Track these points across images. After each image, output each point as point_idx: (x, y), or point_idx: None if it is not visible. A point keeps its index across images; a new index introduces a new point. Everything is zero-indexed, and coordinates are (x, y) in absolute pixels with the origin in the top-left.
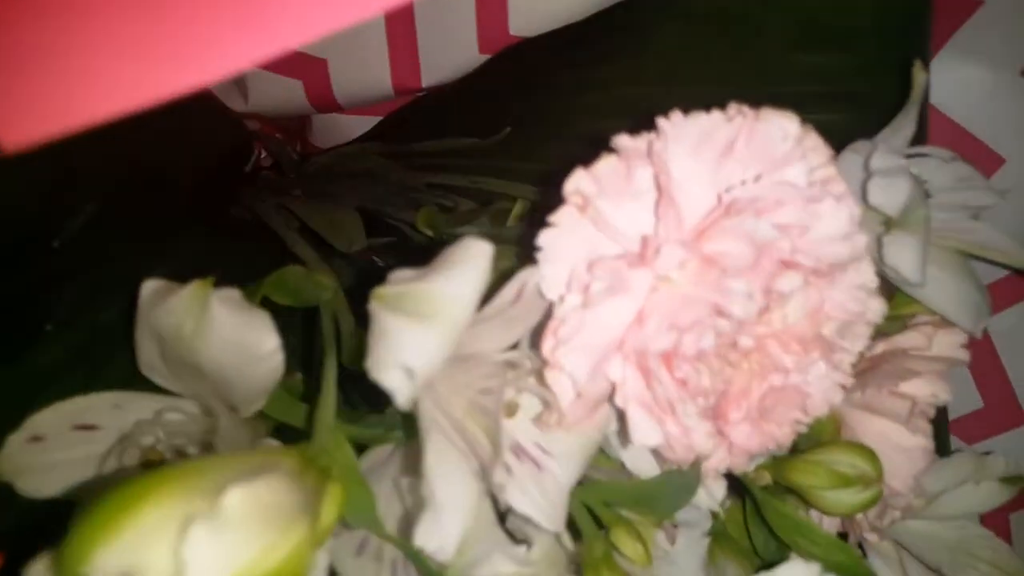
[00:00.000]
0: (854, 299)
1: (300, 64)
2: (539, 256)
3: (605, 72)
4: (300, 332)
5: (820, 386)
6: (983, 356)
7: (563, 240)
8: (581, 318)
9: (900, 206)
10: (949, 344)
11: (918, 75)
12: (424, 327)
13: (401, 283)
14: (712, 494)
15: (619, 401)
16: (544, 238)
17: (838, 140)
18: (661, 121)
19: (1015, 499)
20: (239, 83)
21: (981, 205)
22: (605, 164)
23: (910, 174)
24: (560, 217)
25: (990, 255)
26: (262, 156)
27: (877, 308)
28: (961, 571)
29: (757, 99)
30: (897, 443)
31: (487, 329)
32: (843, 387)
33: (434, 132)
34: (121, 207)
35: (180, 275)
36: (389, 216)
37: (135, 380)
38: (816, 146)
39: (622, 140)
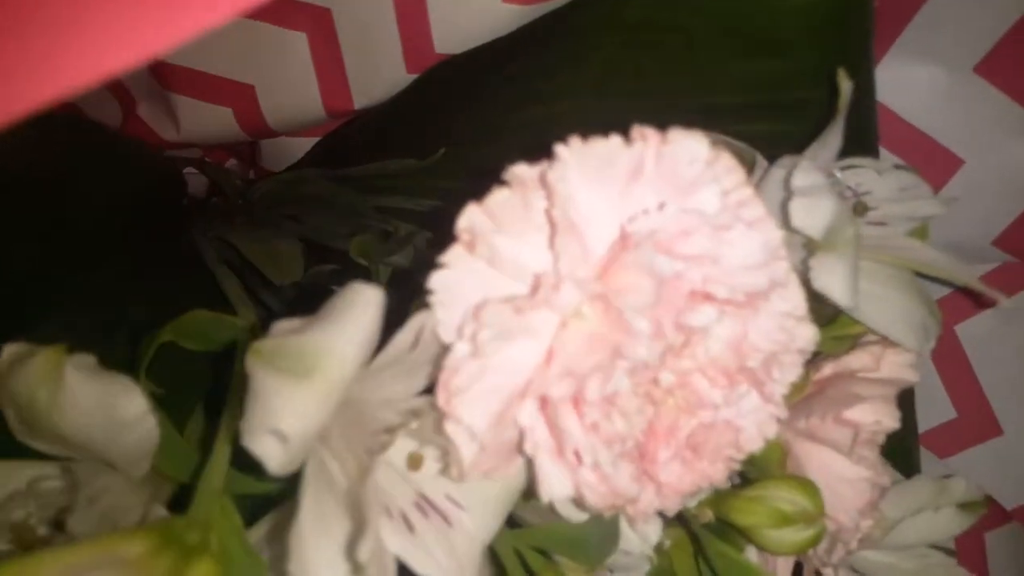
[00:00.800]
0: (781, 328)
1: (227, 90)
2: (431, 300)
3: (543, 85)
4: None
5: (753, 420)
6: (955, 365)
7: (456, 281)
8: (477, 366)
9: (823, 227)
10: (898, 364)
11: (843, 84)
12: (301, 386)
13: (280, 336)
14: (645, 538)
15: (528, 449)
16: (436, 280)
17: (784, 150)
18: (559, 148)
19: (990, 518)
20: (169, 112)
21: (927, 215)
22: (498, 197)
23: (834, 192)
24: (451, 257)
25: (930, 271)
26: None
27: (807, 336)
28: None
29: (694, 110)
30: (841, 474)
31: (388, 377)
32: (778, 419)
33: (375, 153)
34: (29, 249)
35: (97, 318)
36: (334, 242)
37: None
38: (730, 168)
39: (516, 170)
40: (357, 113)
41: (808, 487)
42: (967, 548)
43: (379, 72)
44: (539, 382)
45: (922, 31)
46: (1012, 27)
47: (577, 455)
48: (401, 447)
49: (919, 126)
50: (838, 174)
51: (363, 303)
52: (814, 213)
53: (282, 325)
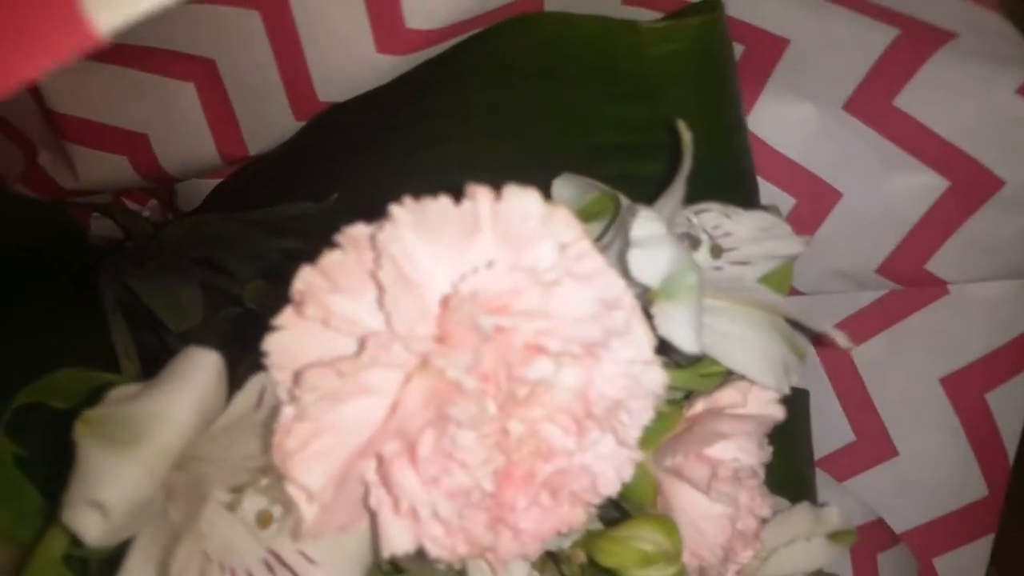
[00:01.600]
0: (626, 375)
1: (121, 139)
2: (267, 362)
3: (433, 128)
4: None
5: (610, 463)
6: (852, 389)
7: (290, 342)
8: (308, 428)
9: (661, 277)
10: (763, 400)
11: (684, 134)
12: (126, 455)
13: (111, 404)
14: None
15: (372, 504)
16: (270, 342)
17: (656, 193)
18: (393, 208)
19: (882, 540)
20: (66, 160)
21: (788, 254)
22: (332, 258)
23: (672, 241)
24: (284, 319)
25: (782, 313)
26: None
27: (656, 380)
28: None
29: (578, 152)
30: (703, 511)
31: (237, 436)
32: (635, 461)
33: (275, 196)
34: None
35: None
36: (234, 287)
37: None
38: (567, 222)
39: (350, 231)
40: (254, 158)
41: (668, 526)
42: (861, 570)
43: (268, 119)
44: (378, 439)
45: (791, 71)
46: (873, 66)
47: (413, 511)
48: (252, 505)
49: (799, 161)
50: (693, 219)
51: (198, 368)
52: (651, 264)
53: (118, 392)
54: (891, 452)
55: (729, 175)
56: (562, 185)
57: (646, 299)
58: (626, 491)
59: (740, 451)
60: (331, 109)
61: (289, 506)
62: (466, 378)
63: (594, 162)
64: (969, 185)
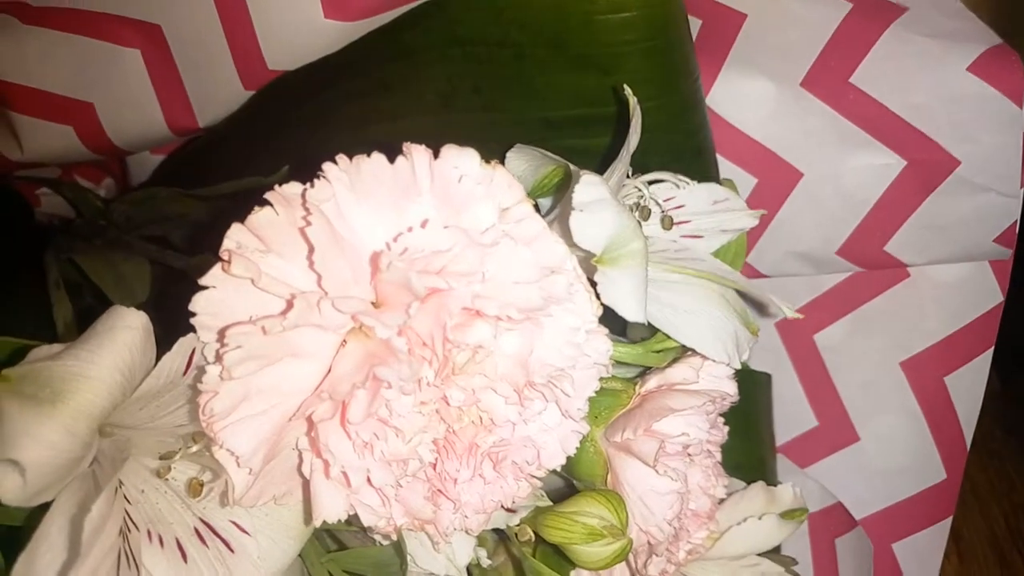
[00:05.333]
0: (569, 343)
1: (66, 109)
2: (194, 322)
3: (387, 103)
4: None
5: (555, 435)
6: (815, 374)
7: (220, 302)
8: (237, 389)
9: (603, 241)
10: (715, 376)
11: (630, 99)
12: (43, 414)
13: (31, 362)
14: (452, 559)
15: (304, 471)
16: (198, 302)
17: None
18: (326, 166)
19: (840, 525)
20: (11, 131)
21: (739, 227)
22: (263, 216)
23: (616, 206)
24: (212, 278)
25: (730, 284)
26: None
27: (601, 349)
28: None
29: (535, 124)
30: (652, 487)
31: (169, 401)
32: (580, 434)
33: (224, 170)
34: None
35: None
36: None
37: None
38: (507, 184)
39: (281, 189)
40: (202, 131)
41: (614, 500)
42: (820, 554)
43: (217, 88)
44: (309, 403)
45: (749, 47)
46: (828, 42)
47: (345, 475)
48: (182, 473)
49: (759, 139)
50: (644, 190)
51: (122, 327)
52: (593, 227)
53: (40, 351)
54: (852, 437)
55: (686, 149)
56: (515, 156)
57: (590, 267)
58: (576, 468)
59: (690, 426)
60: (281, 78)
61: (219, 472)
62: (396, 338)
63: (549, 135)
64: (926, 165)
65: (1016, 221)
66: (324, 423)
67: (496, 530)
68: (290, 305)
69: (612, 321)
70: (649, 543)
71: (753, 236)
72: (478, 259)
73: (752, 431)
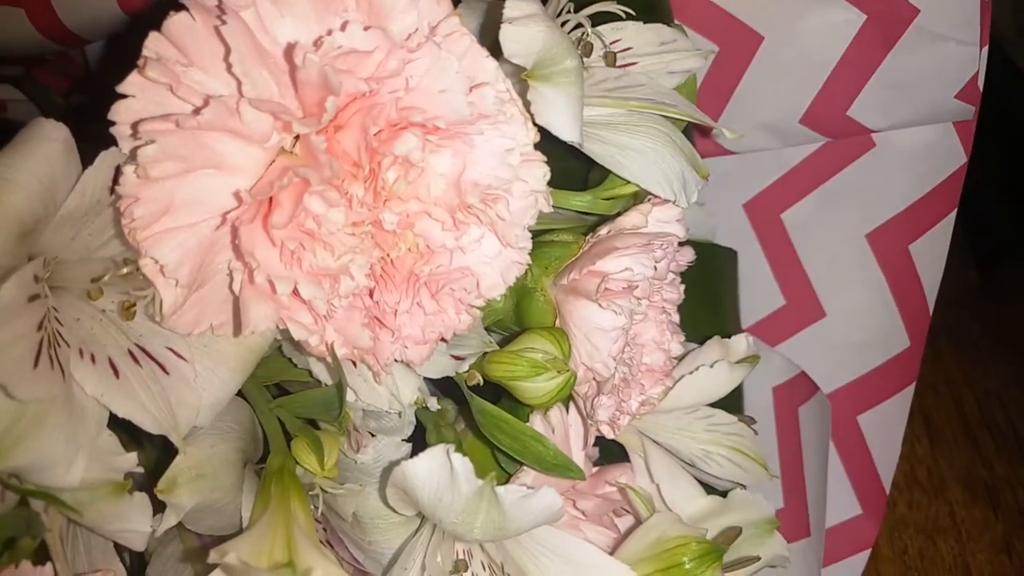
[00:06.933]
0: (503, 164)
1: None
2: (114, 131)
3: None
4: None
5: (495, 266)
6: (782, 253)
7: (138, 110)
8: (158, 194)
9: (534, 55)
10: (663, 220)
11: None
12: None
13: None
14: (398, 394)
15: (234, 288)
16: (117, 111)
17: None
18: None
19: (802, 393)
20: None
21: (687, 68)
22: (179, 21)
23: (547, 21)
24: (130, 85)
25: (667, 112)
26: None
27: (538, 174)
28: (712, 461)
29: None
30: (597, 324)
31: (92, 224)
32: (520, 264)
33: None
34: None
35: None
36: None
37: None
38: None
39: None
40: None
41: (557, 334)
42: (784, 425)
43: None
44: (234, 213)
45: None
46: None
47: (270, 284)
48: (114, 295)
49: (717, 2)
50: (586, 24)
51: (43, 137)
52: (522, 40)
53: None
54: (819, 313)
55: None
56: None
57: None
58: (526, 317)
59: (634, 263)
60: None
61: (145, 287)
62: (316, 137)
63: None
64: (884, 17)
65: (977, 73)
66: (246, 228)
67: (457, 403)
68: (205, 103)
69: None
70: (596, 381)
71: (717, 108)
72: (400, 63)
73: (718, 305)
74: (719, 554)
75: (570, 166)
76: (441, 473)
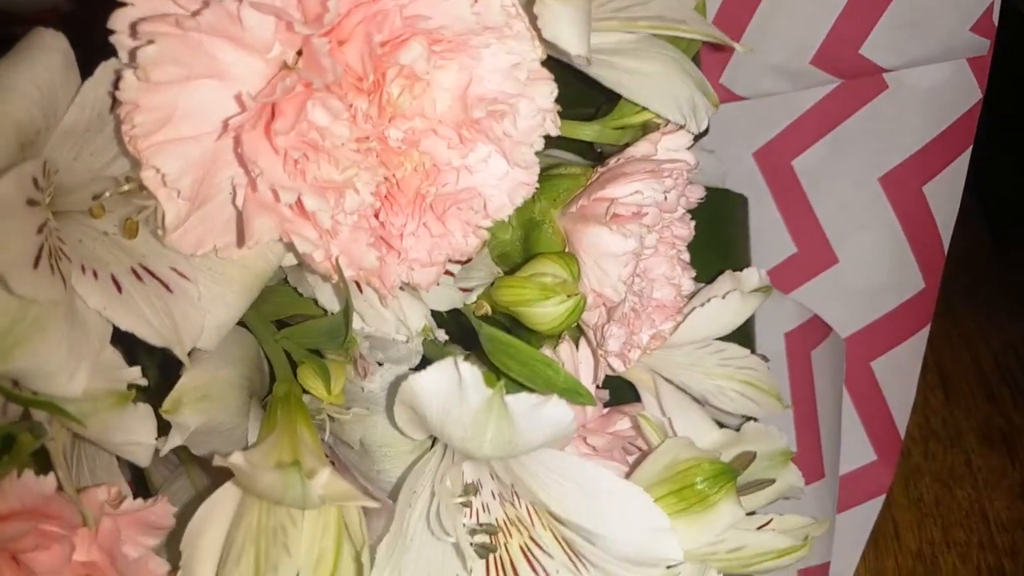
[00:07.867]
0: (509, 78)
1: None
2: (114, 40)
3: None
4: None
5: (502, 186)
6: (793, 200)
7: (136, 17)
8: (160, 100)
9: None
10: (672, 148)
11: None
12: None
13: None
14: (405, 321)
15: (238, 203)
16: (116, 19)
17: None
18: None
19: (815, 337)
20: None
21: None
22: None
23: None
24: None
25: (679, 30)
26: None
27: (545, 92)
28: (724, 396)
29: None
30: (606, 249)
31: (94, 140)
32: (527, 185)
33: None
34: None
35: None
36: None
37: None
38: None
39: None
40: None
41: (566, 258)
42: (797, 371)
43: None
44: (235, 121)
45: None
46: None
47: (274, 194)
48: (116, 213)
49: None
50: None
51: (40, 47)
52: None
53: None
54: (832, 260)
55: None
56: None
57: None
58: (535, 248)
59: (644, 187)
60: None
61: (147, 199)
62: (318, 39)
63: None
64: None
65: (991, 6)
66: (249, 135)
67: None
68: (205, 3)
69: None
70: (605, 307)
71: (727, 52)
72: None
73: (729, 250)
74: (733, 475)
75: (577, 112)
76: (449, 384)
